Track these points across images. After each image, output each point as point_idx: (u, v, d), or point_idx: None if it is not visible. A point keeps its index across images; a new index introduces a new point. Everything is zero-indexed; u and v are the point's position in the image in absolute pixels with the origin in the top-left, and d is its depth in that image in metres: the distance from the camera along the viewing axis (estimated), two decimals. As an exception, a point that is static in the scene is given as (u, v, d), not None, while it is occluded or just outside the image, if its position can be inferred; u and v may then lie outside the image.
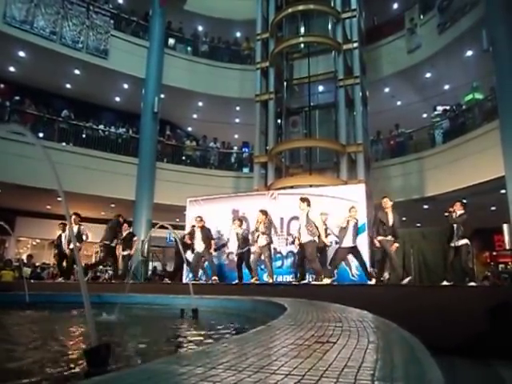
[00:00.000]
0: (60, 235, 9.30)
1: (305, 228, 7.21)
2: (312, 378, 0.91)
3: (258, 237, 7.93)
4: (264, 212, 8.11)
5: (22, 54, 13.38)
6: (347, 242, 7.41)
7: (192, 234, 8.94)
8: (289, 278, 8.89)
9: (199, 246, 8.59)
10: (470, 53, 13.02)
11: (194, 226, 9.00)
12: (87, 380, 0.97)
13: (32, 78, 14.52)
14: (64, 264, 9.27)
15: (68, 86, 15.40)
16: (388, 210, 7.24)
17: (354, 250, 7.51)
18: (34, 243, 16.71)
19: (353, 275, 8.48)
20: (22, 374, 1.83)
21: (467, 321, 4.42)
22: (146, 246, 12.09)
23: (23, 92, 14.27)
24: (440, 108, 14.76)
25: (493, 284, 11.51)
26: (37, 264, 13.83)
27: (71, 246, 8.77)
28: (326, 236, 7.96)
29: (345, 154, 11.66)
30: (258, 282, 7.76)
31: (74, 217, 8.80)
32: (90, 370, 1.68)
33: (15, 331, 3.42)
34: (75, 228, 8.73)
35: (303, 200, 7.49)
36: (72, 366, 1.96)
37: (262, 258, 7.91)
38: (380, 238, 7.21)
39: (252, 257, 8.19)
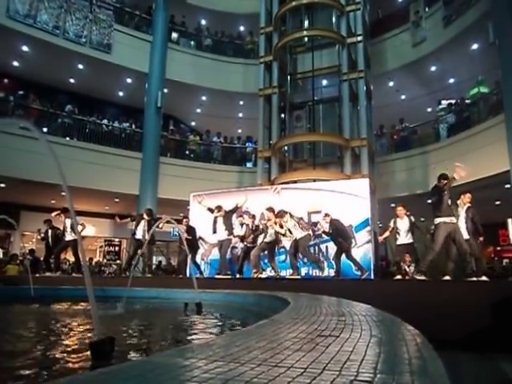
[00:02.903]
0: (46, 230, 9.49)
1: (296, 228, 7.66)
2: (314, 370, 0.92)
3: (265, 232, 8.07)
4: (272, 210, 8.23)
5: (25, 48, 13.38)
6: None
7: (214, 220, 8.87)
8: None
9: (221, 233, 8.58)
10: (475, 46, 12.88)
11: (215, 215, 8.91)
12: (91, 372, 0.98)
13: (36, 73, 14.52)
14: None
15: (72, 80, 15.40)
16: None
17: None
18: (39, 237, 16.79)
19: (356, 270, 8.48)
20: (27, 367, 1.85)
21: (470, 315, 4.41)
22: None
23: (27, 87, 14.27)
24: (445, 102, 14.65)
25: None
26: (41, 258, 13.91)
27: (67, 237, 8.95)
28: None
29: (349, 148, 11.63)
30: (259, 276, 7.76)
31: (62, 213, 9.00)
32: (94, 362, 1.70)
33: (20, 325, 3.45)
34: (68, 222, 8.91)
35: (279, 216, 7.76)
36: (76, 358, 1.98)
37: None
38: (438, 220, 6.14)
39: (254, 251, 8.20)
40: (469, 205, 6.71)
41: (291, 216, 7.82)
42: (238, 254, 9.14)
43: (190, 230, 9.08)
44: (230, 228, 8.57)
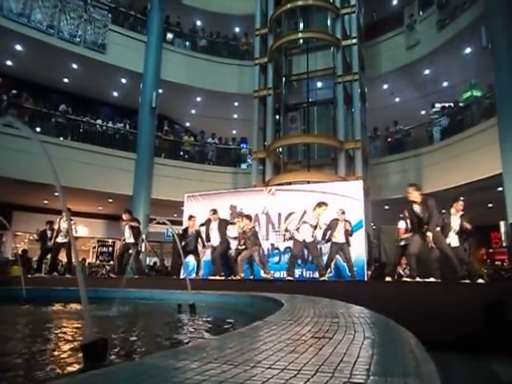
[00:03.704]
0: (44, 230, 9.38)
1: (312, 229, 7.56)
2: (308, 372, 0.92)
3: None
4: (249, 217, 8.23)
5: (19, 47, 13.28)
6: (340, 239, 7.86)
7: (207, 226, 8.72)
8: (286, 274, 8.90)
9: (215, 239, 8.49)
10: (468, 50, 13.00)
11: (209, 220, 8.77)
12: (84, 374, 0.98)
13: (29, 72, 14.43)
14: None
15: (66, 80, 15.31)
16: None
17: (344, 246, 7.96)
18: (31, 238, 16.66)
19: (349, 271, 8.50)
20: (18, 369, 1.83)
21: (462, 316, 4.44)
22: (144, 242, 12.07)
23: (20, 86, 14.18)
24: (438, 105, 14.77)
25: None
26: (34, 259, 13.79)
27: (58, 239, 8.90)
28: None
29: (343, 150, 11.66)
30: (239, 278, 7.71)
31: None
32: (86, 364, 1.68)
33: (11, 326, 3.42)
34: (63, 223, 8.86)
35: (319, 205, 7.65)
36: (69, 360, 1.97)
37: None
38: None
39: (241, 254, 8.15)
40: (461, 212, 6.76)
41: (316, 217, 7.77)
42: (233, 256, 9.11)
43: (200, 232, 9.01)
44: (223, 236, 8.46)
